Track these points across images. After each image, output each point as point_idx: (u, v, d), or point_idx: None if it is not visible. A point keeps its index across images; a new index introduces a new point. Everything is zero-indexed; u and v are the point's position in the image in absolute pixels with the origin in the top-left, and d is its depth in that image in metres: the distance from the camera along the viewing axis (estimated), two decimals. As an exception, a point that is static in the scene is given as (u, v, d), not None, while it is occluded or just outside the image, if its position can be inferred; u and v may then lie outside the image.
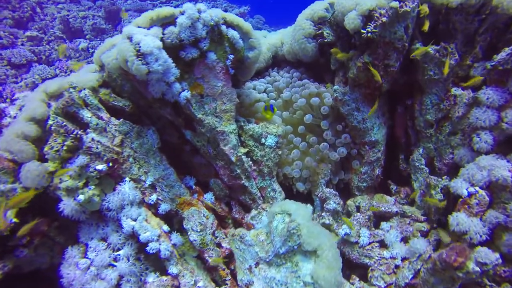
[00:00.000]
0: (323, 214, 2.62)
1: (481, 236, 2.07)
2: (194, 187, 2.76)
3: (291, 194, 2.99)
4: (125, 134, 2.48)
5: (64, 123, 2.19)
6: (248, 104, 2.92)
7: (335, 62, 2.88)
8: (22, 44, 8.03)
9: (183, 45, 2.28)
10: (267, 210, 2.57)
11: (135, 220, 2.37)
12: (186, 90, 2.36)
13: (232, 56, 2.48)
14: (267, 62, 3.30)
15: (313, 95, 2.88)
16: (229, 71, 2.52)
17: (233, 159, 2.59)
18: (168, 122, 2.69)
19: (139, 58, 2.02)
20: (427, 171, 2.73)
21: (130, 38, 2.03)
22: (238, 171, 2.64)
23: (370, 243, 2.39)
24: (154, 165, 2.56)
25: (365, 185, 2.93)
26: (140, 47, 2.00)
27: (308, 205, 2.55)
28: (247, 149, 2.75)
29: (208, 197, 2.74)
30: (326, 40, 2.84)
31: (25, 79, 6.88)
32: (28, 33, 8.22)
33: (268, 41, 3.36)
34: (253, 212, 2.62)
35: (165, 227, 2.45)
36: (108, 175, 2.42)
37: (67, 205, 2.20)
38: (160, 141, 2.59)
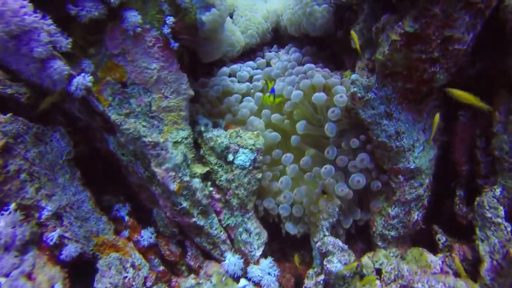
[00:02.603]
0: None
1: None
2: (126, 219, 1.77)
3: (278, 233, 1.90)
4: (15, 138, 1.52)
5: None
6: (214, 98, 1.84)
7: (358, 35, 1.69)
8: None
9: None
10: (212, 280, 1.51)
11: (7, 275, 1.44)
12: (84, 74, 1.33)
13: (172, 18, 1.40)
14: (262, 37, 2.16)
15: (318, 89, 1.72)
16: (169, 45, 1.45)
17: (173, 187, 1.54)
18: (94, 121, 1.70)
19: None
20: (509, 229, 1.48)
21: None
22: (185, 204, 1.59)
23: None
24: (62, 185, 1.60)
25: (395, 234, 1.74)
26: None
27: None
28: (207, 169, 1.69)
29: (146, 235, 1.74)
30: (345, 0, 1.64)
31: None
32: None
33: (268, 6, 2.20)
34: (190, 281, 1.57)
35: (58, 287, 1.49)
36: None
37: None
38: (72, 150, 1.61)
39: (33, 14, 1.13)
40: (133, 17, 1.33)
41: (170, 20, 1.39)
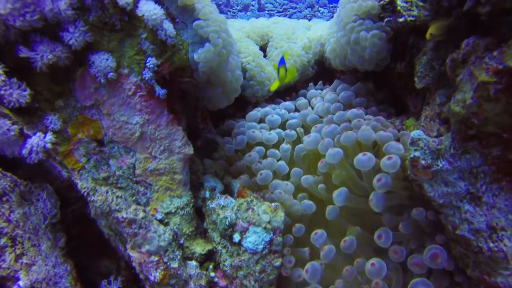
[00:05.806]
0: None
1: None
2: (117, 297, 1.42)
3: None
4: (0, 197, 1.32)
5: None
6: (232, 152, 1.41)
7: (425, 70, 1.12)
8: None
9: (25, 33, 0.96)
10: None
11: None
12: (39, 134, 1.03)
13: (154, 59, 1.03)
14: (302, 71, 1.69)
15: (365, 146, 1.18)
16: (155, 93, 1.08)
17: (155, 277, 1.13)
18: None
19: None
20: None
21: None
22: (173, 297, 1.17)
23: None
24: (45, 253, 1.34)
25: None
26: None
27: None
28: (210, 247, 1.25)
29: (137, 322, 1.36)
30: (402, 19, 1.10)
31: None
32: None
33: (310, 34, 1.73)
34: None
35: None
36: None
37: None
38: (59, 212, 1.32)
39: None
40: (102, 61, 1.00)
41: (151, 62, 1.03)
